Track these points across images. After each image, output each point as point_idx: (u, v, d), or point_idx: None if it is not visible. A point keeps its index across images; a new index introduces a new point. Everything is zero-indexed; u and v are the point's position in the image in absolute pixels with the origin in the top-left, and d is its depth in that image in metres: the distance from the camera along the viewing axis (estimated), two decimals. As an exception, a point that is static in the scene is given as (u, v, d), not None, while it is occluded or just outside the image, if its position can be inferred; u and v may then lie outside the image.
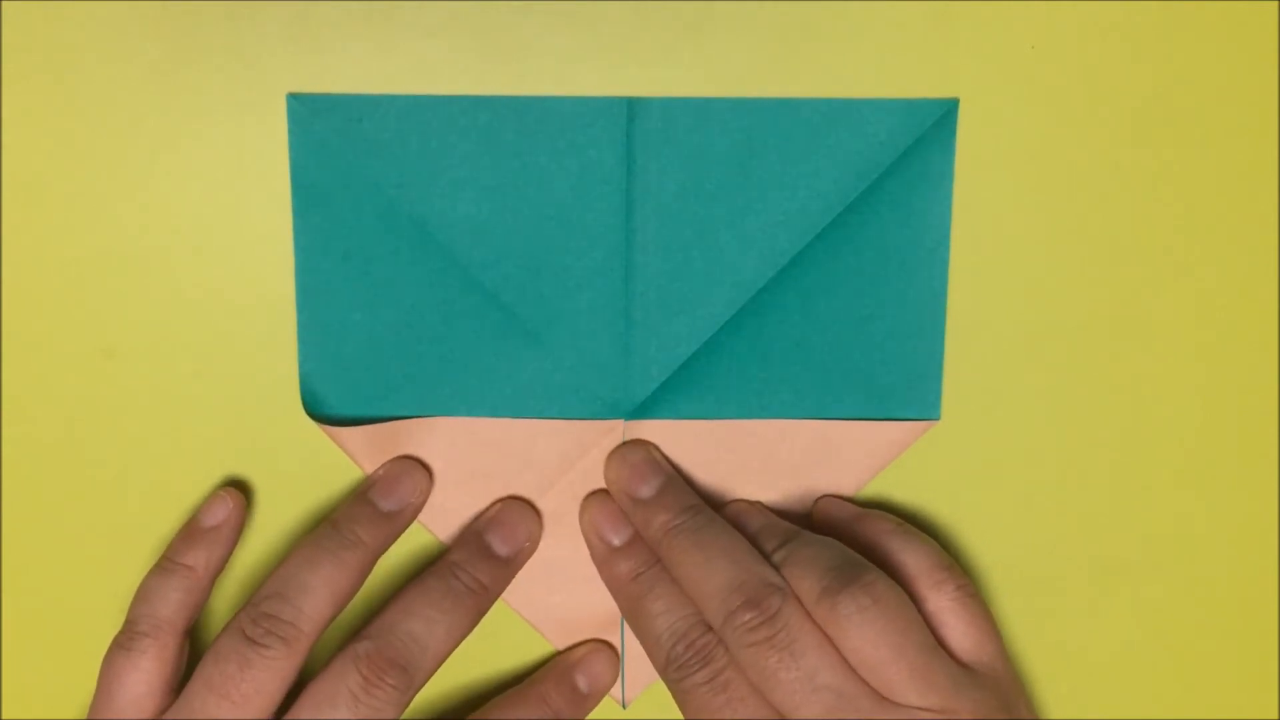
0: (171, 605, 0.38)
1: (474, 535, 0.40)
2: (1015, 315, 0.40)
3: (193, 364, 0.40)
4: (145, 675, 0.37)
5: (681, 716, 0.37)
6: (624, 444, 0.40)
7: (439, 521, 0.40)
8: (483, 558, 0.39)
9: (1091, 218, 0.40)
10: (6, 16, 0.37)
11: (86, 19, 0.38)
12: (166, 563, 0.39)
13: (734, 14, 0.38)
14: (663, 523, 0.38)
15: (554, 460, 0.40)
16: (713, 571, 0.36)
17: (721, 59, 0.38)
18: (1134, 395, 0.41)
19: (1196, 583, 0.42)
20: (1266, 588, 0.42)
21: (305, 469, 0.40)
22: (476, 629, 0.40)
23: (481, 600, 0.39)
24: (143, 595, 0.38)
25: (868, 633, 0.35)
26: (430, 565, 0.39)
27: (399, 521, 0.39)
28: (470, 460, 0.40)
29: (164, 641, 0.38)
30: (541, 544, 0.40)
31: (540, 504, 0.40)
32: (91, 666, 0.38)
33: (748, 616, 0.35)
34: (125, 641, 0.38)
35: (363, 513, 0.38)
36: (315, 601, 0.37)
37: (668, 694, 0.38)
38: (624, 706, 0.42)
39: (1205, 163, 0.39)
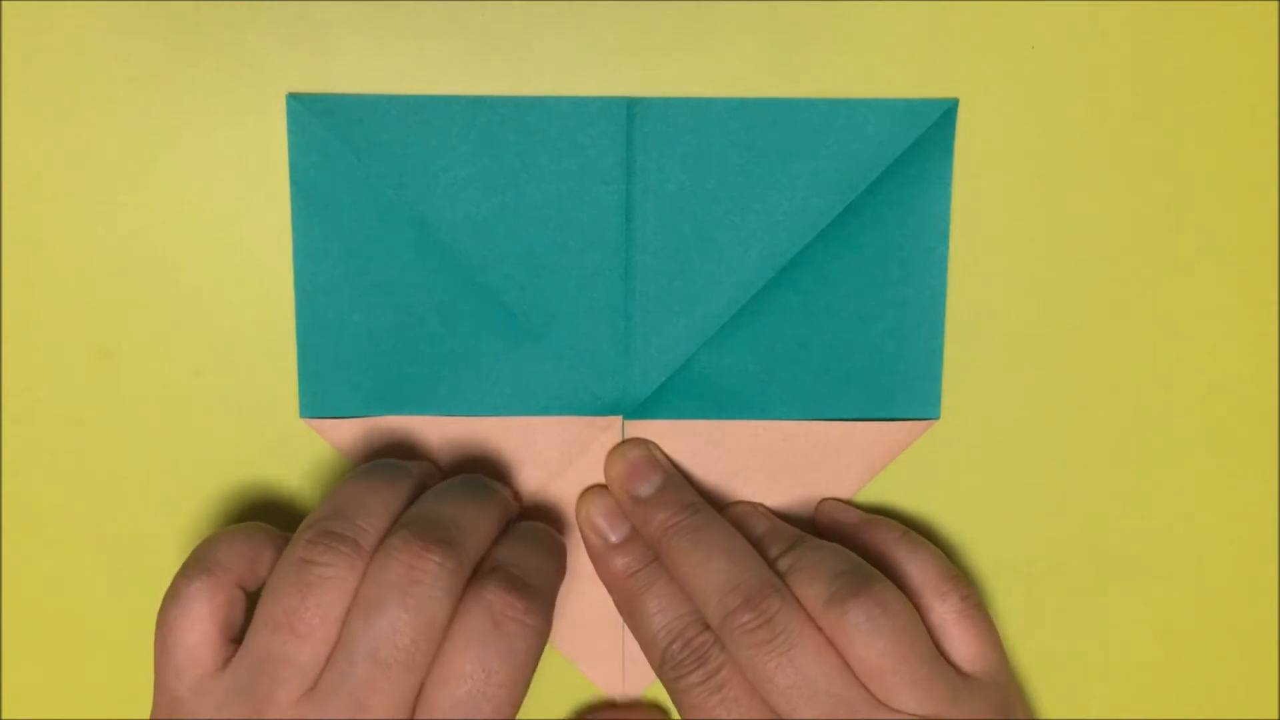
0: (226, 551, 0.35)
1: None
2: (1014, 314, 0.40)
3: (192, 364, 0.40)
4: (198, 623, 0.34)
5: (679, 716, 0.37)
6: (624, 442, 0.40)
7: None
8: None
9: (1091, 217, 0.40)
10: (6, 16, 0.37)
11: (86, 19, 0.38)
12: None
13: (734, 14, 0.38)
14: (662, 521, 0.38)
15: (554, 457, 0.40)
16: (711, 570, 0.36)
17: (721, 59, 0.38)
18: (1134, 394, 0.41)
19: (1196, 582, 0.42)
20: (1267, 588, 0.42)
21: (304, 469, 0.40)
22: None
23: (503, 501, 0.37)
24: (201, 544, 0.35)
25: (875, 643, 0.35)
26: None
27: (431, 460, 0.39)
28: (470, 460, 0.40)
29: (215, 586, 0.34)
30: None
31: (539, 501, 0.40)
32: (91, 667, 0.38)
33: (746, 618, 0.35)
34: (172, 590, 0.34)
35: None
36: (373, 518, 0.34)
37: (666, 695, 0.38)
38: (623, 707, 0.42)
39: (1205, 163, 0.40)
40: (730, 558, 0.37)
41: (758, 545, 0.38)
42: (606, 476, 0.40)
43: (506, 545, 0.36)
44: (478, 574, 0.35)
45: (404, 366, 0.39)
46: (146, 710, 0.40)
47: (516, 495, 0.40)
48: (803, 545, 0.37)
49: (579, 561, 0.40)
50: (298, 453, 0.40)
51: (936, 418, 0.40)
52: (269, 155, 0.38)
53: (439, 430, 0.39)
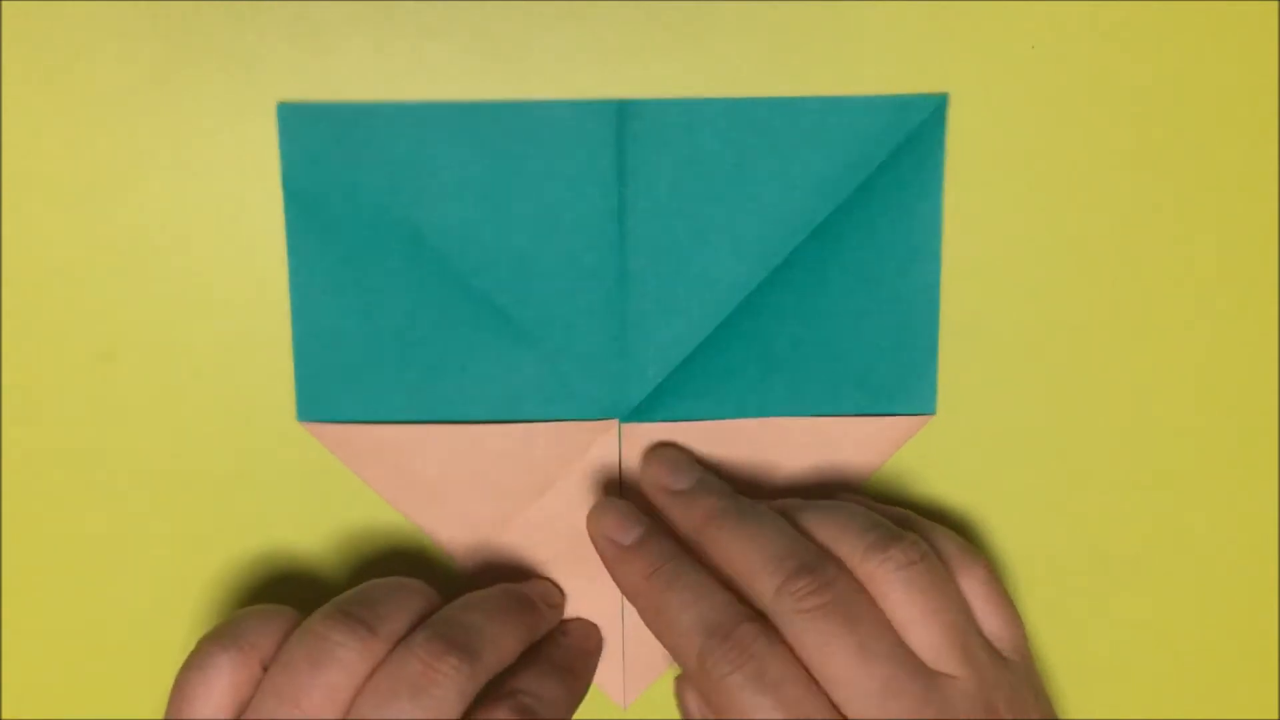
0: (256, 627, 0.35)
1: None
2: (1009, 309, 0.40)
3: (191, 369, 0.40)
4: (215, 693, 0.33)
5: (679, 718, 0.37)
6: (658, 444, 0.40)
7: (438, 527, 0.40)
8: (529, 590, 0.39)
9: (1084, 211, 0.40)
10: (6, 16, 0.38)
11: (86, 19, 0.37)
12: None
13: (723, 14, 0.38)
14: (706, 506, 0.37)
15: (551, 462, 0.40)
16: (763, 543, 0.35)
17: (714, 57, 0.38)
18: (1129, 388, 0.41)
19: (1194, 578, 0.42)
20: (1266, 584, 0.42)
21: (303, 475, 0.40)
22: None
23: (534, 617, 0.37)
24: (233, 615, 0.35)
25: (915, 586, 0.34)
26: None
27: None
28: (468, 466, 0.40)
29: (239, 660, 0.34)
30: (540, 544, 0.40)
31: (538, 505, 0.40)
32: (91, 667, 0.38)
33: (803, 581, 0.34)
34: (197, 654, 0.34)
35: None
36: (396, 610, 0.34)
37: (668, 694, 0.38)
38: (625, 707, 0.42)
39: (1201, 159, 0.39)
40: (779, 531, 0.36)
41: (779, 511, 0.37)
42: (642, 475, 0.39)
43: (527, 669, 0.36)
44: (493, 695, 0.35)
45: (400, 371, 0.39)
46: (146, 710, 0.40)
47: (560, 597, 0.40)
48: (825, 504, 0.37)
49: (577, 563, 0.40)
50: (296, 459, 0.40)
51: (933, 413, 0.40)
52: (267, 158, 0.38)
53: (437, 436, 0.39)
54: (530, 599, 0.38)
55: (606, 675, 0.41)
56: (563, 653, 0.38)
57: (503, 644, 0.35)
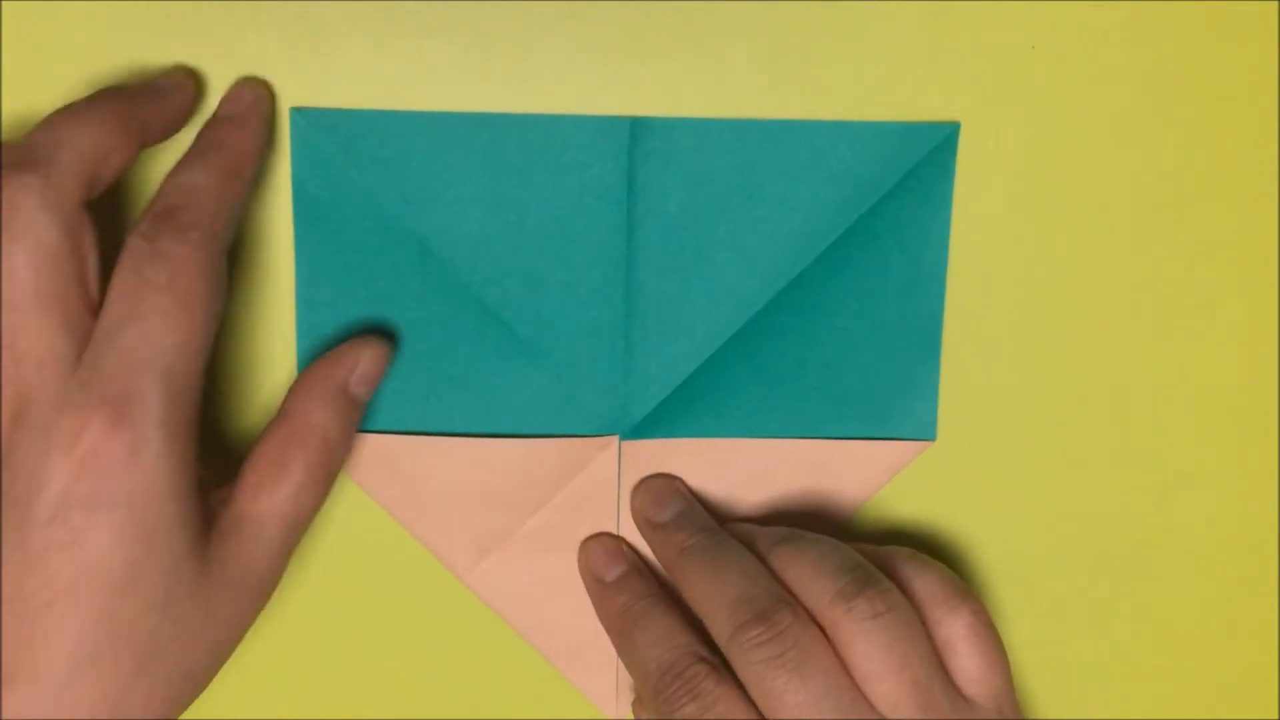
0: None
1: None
2: (1011, 337, 0.40)
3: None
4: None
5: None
6: (650, 476, 0.40)
7: (438, 541, 0.40)
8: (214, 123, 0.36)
9: (1089, 240, 0.40)
10: (6, 16, 0.37)
11: (87, 20, 0.37)
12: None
13: (739, 34, 0.38)
14: (678, 542, 0.38)
15: (550, 477, 0.40)
16: (724, 585, 0.35)
17: (712, 59, 0.38)
18: (1130, 416, 0.41)
19: (1196, 597, 0.42)
20: (1267, 601, 0.42)
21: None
22: (475, 642, 0.40)
23: (142, 106, 0.35)
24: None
25: (879, 640, 0.34)
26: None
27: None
28: (468, 479, 0.40)
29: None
30: (536, 559, 0.40)
31: (537, 519, 0.40)
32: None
33: (756, 631, 0.34)
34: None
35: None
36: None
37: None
38: (615, 718, 0.42)
39: (1211, 193, 0.39)
40: (744, 574, 0.36)
41: (751, 543, 0.37)
42: (631, 507, 0.40)
43: (174, 169, 0.34)
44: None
45: (404, 381, 0.39)
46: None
47: (190, 79, 0.37)
48: (801, 538, 0.37)
49: (572, 578, 0.40)
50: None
51: (933, 439, 0.40)
52: (273, 163, 0.38)
53: (438, 448, 0.39)
54: (146, 87, 0.35)
55: (599, 687, 0.42)
56: (207, 132, 0.36)
57: (85, 142, 0.33)
